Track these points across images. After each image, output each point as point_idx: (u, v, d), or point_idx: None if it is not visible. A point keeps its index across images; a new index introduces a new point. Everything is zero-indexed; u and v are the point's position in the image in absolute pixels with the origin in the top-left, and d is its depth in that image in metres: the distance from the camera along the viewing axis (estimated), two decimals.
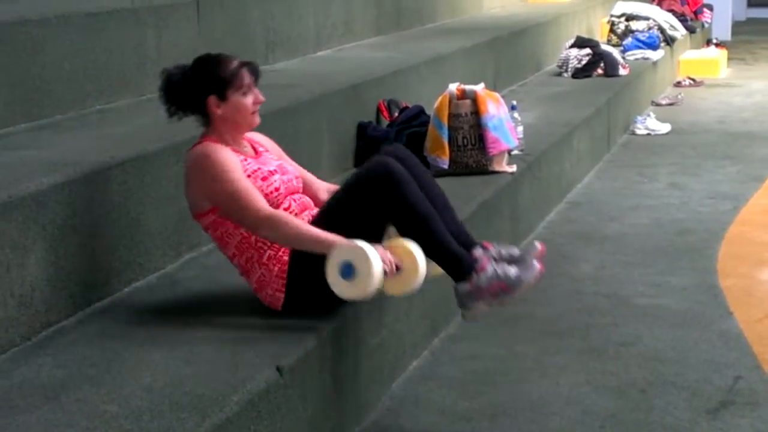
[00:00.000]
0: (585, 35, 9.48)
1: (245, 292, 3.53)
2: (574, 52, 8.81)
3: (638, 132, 8.45)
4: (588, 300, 4.78)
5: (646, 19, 10.44)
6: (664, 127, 8.52)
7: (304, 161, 3.91)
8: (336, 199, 3.48)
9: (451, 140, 5.34)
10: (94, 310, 3.49)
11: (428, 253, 3.43)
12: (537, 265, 3.40)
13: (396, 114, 5.75)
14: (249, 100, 3.48)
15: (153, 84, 4.96)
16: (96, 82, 4.68)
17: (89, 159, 3.64)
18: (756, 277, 5.10)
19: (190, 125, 3.80)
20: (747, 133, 8.49)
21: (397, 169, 3.37)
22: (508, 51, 8.20)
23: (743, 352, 4.16)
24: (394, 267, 3.32)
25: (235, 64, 3.47)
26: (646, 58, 9.79)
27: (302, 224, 3.34)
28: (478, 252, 3.43)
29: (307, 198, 3.60)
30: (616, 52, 9.08)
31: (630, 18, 10.41)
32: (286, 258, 3.39)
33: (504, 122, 5.42)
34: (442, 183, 5.01)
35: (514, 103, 6.07)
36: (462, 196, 4.91)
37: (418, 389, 3.88)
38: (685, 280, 5.01)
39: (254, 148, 3.62)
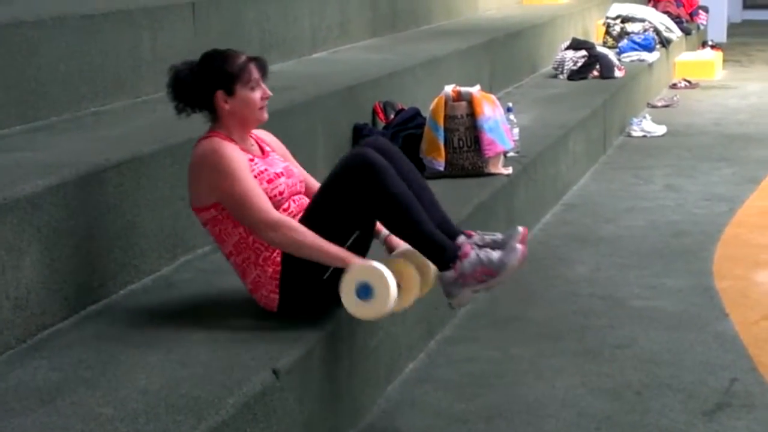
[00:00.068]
0: (581, 37, 9.48)
1: (241, 295, 3.53)
2: (570, 53, 8.81)
3: (634, 134, 8.45)
4: (583, 302, 4.78)
5: (642, 21, 10.45)
6: (660, 129, 8.53)
7: (300, 163, 3.90)
8: (319, 193, 3.47)
9: (447, 142, 5.34)
10: (89, 312, 3.49)
11: (411, 243, 3.44)
12: (520, 247, 3.39)
13: (392, 116, 5.75)
14: (257, 95, 3.48)
15: (148, 86, 5.01)
16: (91, 84, 4.67)
17: (84, 161, 3.63)
18: (752, 278, 5.11)
19: (186, 127, 3.80)
20: (742, 135, 8.50)
21: (377, 159, 3.36)
22: (503, 53, 8.20)
23: (739, 354, 4.16)
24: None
25: (242, 59, 3.47)
26: (642, 60, 9.79)
27: (310, 232, 3.33)
28: (461, 239, 3.44)
29: (306, 200, 3.60)
30: (611, 54, 9.09)
31: (625, 20, 10.42)
32: (279, 259, 3.39)
33: (500, 124, 5.42)
34: (438, 185, 5.05)
35: (510, 105, 6.07)
36: (458, 198, 4.93)
37: (414, 391, 3.88)
38: (681, 282, 5.01)
39: (261, 147, 3.61)
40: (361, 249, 3.47)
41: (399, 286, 3.35)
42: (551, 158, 6.34)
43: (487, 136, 5.32)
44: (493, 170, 5.39)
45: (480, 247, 3.42)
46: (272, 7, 6.26)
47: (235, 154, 3.38)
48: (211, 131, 3.48)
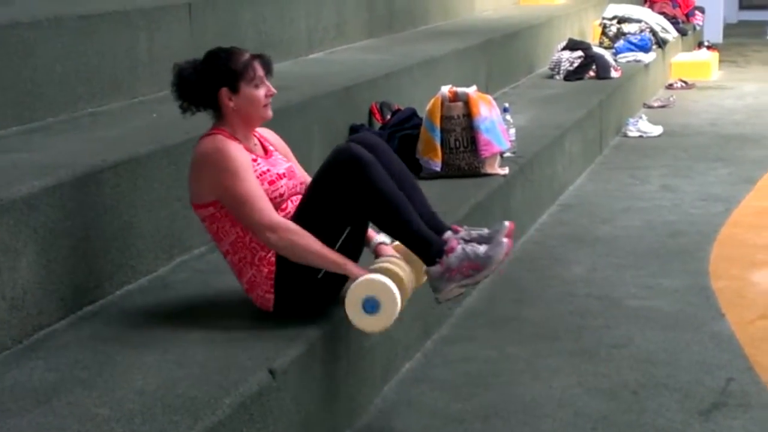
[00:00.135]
0: (577, 38, 9.49)
1: (237, 295, 3.53)
2: (566, 54, 8.82)
3: (630, 134, 8.46)
4: (580, 302, 4.78)
5: (638, 21, 10.46)
6: (656, 130, 8.53)
7: (298, 163, 3.90)
8: (308, 189, 3.47)
9: (444, 143, 5.34)
10: (85, 313, 3.49)
11: (397, 237, 3.45)
12: (506, 241, 3.39)
13: (388, 116, 5.75)
14: (261, 92, 3.48)
15: (145, 87, 5.01)
16: (88, 85, 4.67)
17: (81, 162, 3.63)
18: (748, 278, 5.11)
19: (182, 128, 3.80)
20: (739, 136, 8.51)
21: (362, 154, 3.36)
22: (500, 53, 8.21)
23: (735, 353, 4.16)
24: None
25: (246, 56, 3.47)
26: (638, 61, 9.80)
27: (308, 236, 3.32)
28: (447, 234, 3.44)
29: None
30: (608, 55, 9.09)
31: (622, 20, 10.43)
32: (274, 259, 3.39)
33: (496, 124, 5.43)
34: (435, 185, 5.07)
35: (507, 105, 6.07)
36: (454, 199, 4.93)
37: (410, 391, 3.88)
38: (677, 282, 5.02)
39: (264, 147, 3.61)
40: (354, 247, 3.48)
41: None
42: (548, 158, 6.34)
43: (484, 136, 5.33)
44: (489, 170, 5.40)
45: (466, 242, 3.43)
46: (269, 8, 6.26)
47: (238, 154, 3.38)
48: (214, 128, 3.47)
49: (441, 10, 9.30)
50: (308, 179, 3.70)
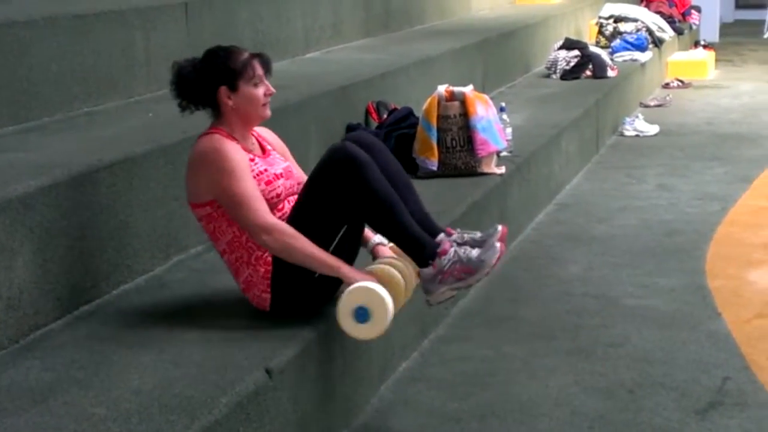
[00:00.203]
0: (573, 37, 9.49)
1: (234, 295, 3.53)
2: (563, 53, 8.82)
3: (627, 133, 8.46)
4: (576, 301, 4.79)
5: (635, 20, 10.46)
6: (653, 129, 8.53)
7: (296, 163, 3.90)
8: (303, 189, 3.47)
9: (440, 142, 5.34)
10: (82, 312, 3.48)
11: (390, 238, 3.45)
12: (498, 245, 3.39)
13: (385, 116, 5.75)
14: (260, 91, 3.47)
15: (141, 86, 5.01)
16: (84, 85, 4.66)
17: (77, 161, 3.63)
18: (744, 277, 5.11)
19: (179, 127, 3.80)
20: (735, 135, 8.52)
21: (357, 153, 3.35)
22: (496, 53, 8.21)
23: (732, 352, 4.17)
24: None
25: (245, 55, 3.46)
26: (635, 60, 9.81)
27: (303, 238, 3.32)
28: (440, 237, 3.44)
29: None
30: (604, 54, 9.10)
31: (618, 20, 10.43)
32: (270, 259, 3.39)
33: (493, 124, 5.43)
34: (431, 184, 5.07)
35: (503, 104, 6.07)
36: (451, 198, 4.93)
37: (407, 391, 3.88)
38: (674, 281, 5.02)
39: (262, 146, 3.60)
40: (349, 249, 3.47)
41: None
42: (544, 158, 6.35)
43: (480, 135, 5.33)
44: (486, 170, 5.40)
45: (459, 245, 3.42)
46: (265, 8, 6.26)
47: (235, 154, 3.38)
48: (212, 127, 3.47)
49: (437, 9, 9.30)
50: (305, 178, 3.70)
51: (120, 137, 4.14)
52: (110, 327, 3.37)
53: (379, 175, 3.36)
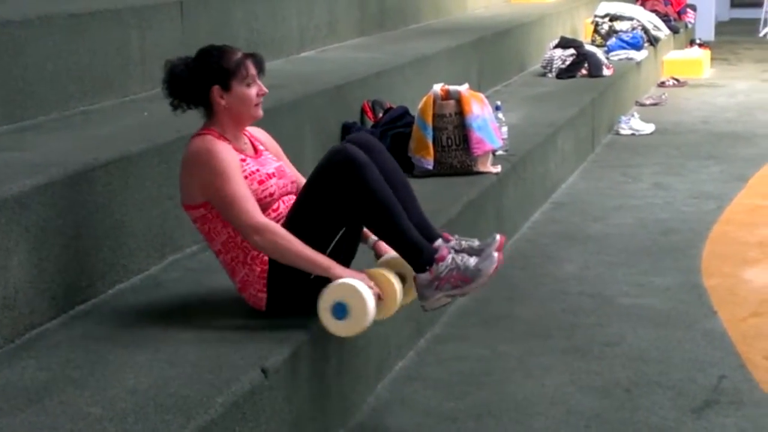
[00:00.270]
0: (569, 36, 9.49)
1: (229, 294, 3.52)
2: (558, 52, 8.82)
3: (622, 132, 8.47)
4: (572, 300, 4.79)
5: (630, 19, 10.46)
6: (648, 128, 8.54)
7: (289, 162, 3.90)
8: (303, 190, 3.47)
9: (436, 141, 5.34)
10: (77, 312, 3.48)
11: (388, 242, 3.43)
12: (496, 255, 3.38)
13: (380, 115, 5.75)
14: (253, 91, 3.47)
15: (137, 85, 5.00)
16: (79, 84, 4.66)
17: (72, 160, 3.62)
18: (740, 276, 5.12)
19: (174, 126, 3.79)
20: (731, 133, 8.52)
21: (357, 155, 3.35)
22: (492, 51, 8.21)
23: (727, 351, 4.17)
24: (377, 297, 3.33)
25: (239, 55, 3.46)
26: (630, 59, 9.81)
27: (294, 239, 3.31)
28: (438, 243, 3.43)
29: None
30: (600, 53, 9.10)
31: (614, 18, 10.43)
32: (266, 258, 3.39)
33: (488, 123, 5.43)
34: (427, 183, 5.07)
35: (499, 103, 6.08)
36: (447, 197, 4.93)
37: (403, 390, 3.88)
38: (669, 280, 5.02)
39: (254, 146, 3.60)
40: (347, 250, 3.47)
41: (379, 297, 3.35)
42: (540, 157, 6.35)
43: (476, 134, 5.33)
44: (481, 169, 5.40)
45: (457, 251, 3.42)
46: (260, 7, 6.25)
47: (226, 155, 3.37)
48: (204, 128, 3.47)
49: (432, 8, 9.30)
50: (300, 178, 3.70)
51: (115, 136, 4.14)
52: (106, 326, 3.36)
53: (378, 176, 3.35)
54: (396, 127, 5.55)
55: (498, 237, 3.44)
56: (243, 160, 3.44)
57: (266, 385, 3.03)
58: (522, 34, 9.15)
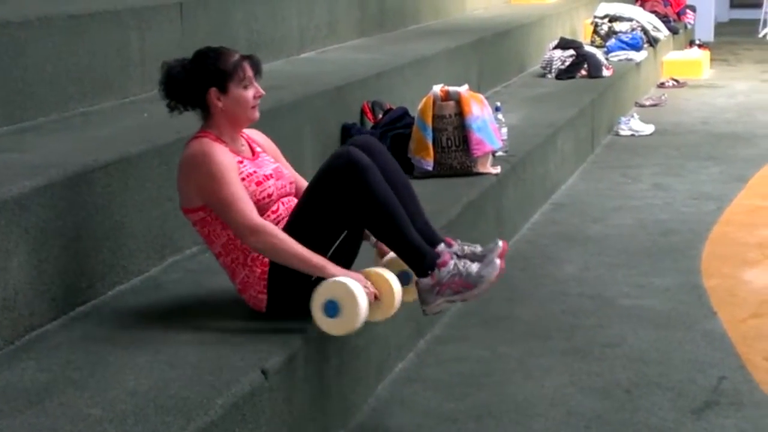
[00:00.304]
0: (568, 36, 9.49)
1: (229, 295, 3.52)
2: (558, 53, 8.82)
3: (622, 133, 8.47)
4: (572, 301, 4.79)
5: (630, 20, 10.47)
6: (648, 128, 8.54)
7: (288, 163, 3.90)
8: (305, 193, 3.46)
9: (436, 142, 5.34)
10: (77, 313, 3.48)
11: (391, 246, 3.43)
12: (498, 262, 3.38)
13: (380, 116, 5.75)
14: (250, 93, 3.46)
15: (136, 86, 5.00)
16: (79, 85, 4.66)
17: (72, 162, 3.62)
18: (739, 277, 5.12)
19: (173, 128, 3.79)
20: (730, 134, 8.52)
21: (361, 158, 3.35)
22: (491, 52, 8.21)
23: (727, 352, 4.17)
24: (373, 297, 3.33)
25: (236, 57, 3.46)
26: (630, 59, 9.81)
27: (290, 240, 3.31)
28: (441, 247, 3.43)
29: (296, 201, 3.58)
30: (599, 53, 9.10)
31: (613, 19, 10.43)
32: (267, 260, 3.38)
33: (488, 123, 5.43)
34: (427, 184, 5.06)
35: (498, 104, 6.08)
36: (447, 198, 4.93)
37: (403, 391, 3.88)
38: (669, 281, 5.02)
39: (251, 148, 3.59)
40: (348, 252, 3.47)
41: (377, 298, 3.35)
42: (540, 157, 6.35)
43: (476, 135, 5.33)
44: (481, 170, 5.40)
45: (459, 257, 3.41)
46: (260, 7, 6.25)
47: (223, 158, 3.37)
48: (201, 131, 3.47)
49: (432, 9, 9.29)
50: (299, 179, 3.70)
51: (115, 137, 4.13)
52: (106, 328, 3.36)
53: (381, 179, 3.35)
54: (396, 128, 5.55)
55: (500, 243, 3.43)
56: (240, 162, 3.44)
57: (266, 386, 3.02)
58: (521, 35, 9.15)
